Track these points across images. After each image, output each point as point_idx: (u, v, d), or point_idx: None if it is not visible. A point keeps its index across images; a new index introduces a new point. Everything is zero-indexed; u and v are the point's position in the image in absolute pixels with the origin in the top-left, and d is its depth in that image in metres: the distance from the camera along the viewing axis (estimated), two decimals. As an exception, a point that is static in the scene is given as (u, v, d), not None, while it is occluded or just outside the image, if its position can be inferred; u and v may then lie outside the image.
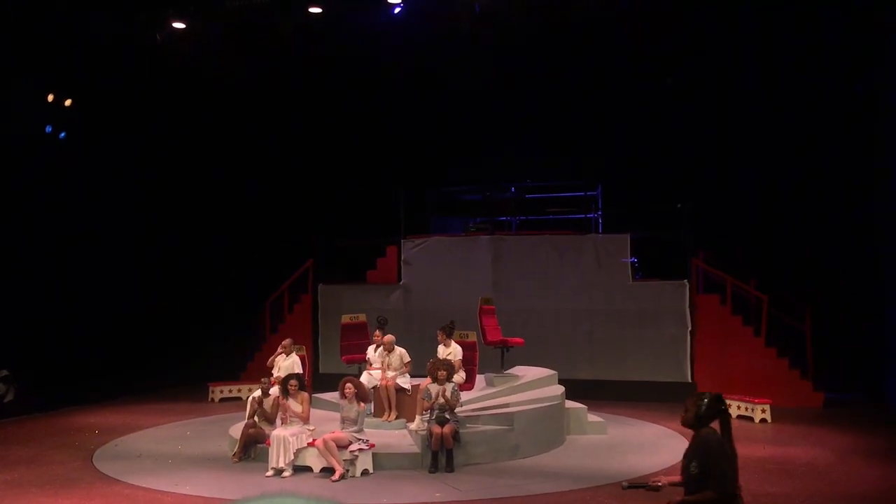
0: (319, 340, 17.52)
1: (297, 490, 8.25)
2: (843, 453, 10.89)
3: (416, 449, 10.33)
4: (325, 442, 9.64)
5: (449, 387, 10.37)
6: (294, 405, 10.11)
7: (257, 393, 11.05)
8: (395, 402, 11.31)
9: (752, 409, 13.54)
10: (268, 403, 10.78)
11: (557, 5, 14.97)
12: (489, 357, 13.00)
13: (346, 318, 13.56)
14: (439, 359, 10.92)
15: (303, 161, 19.45)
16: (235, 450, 10.59)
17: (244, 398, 14.17)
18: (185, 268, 18.77)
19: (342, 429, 9.91)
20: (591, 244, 16.49)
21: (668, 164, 17.14)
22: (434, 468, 9.87)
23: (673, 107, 17.27)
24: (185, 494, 8.92)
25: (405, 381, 11.39)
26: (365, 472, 9.74)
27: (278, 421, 10.26)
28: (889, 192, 15.25)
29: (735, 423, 13.10)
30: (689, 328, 15.73)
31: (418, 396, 10.72)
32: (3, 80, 14.73)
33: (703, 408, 4.85)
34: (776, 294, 15.65)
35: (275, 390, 10.81)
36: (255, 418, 10.77)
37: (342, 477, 9.47)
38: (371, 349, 11.95)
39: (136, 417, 13.91)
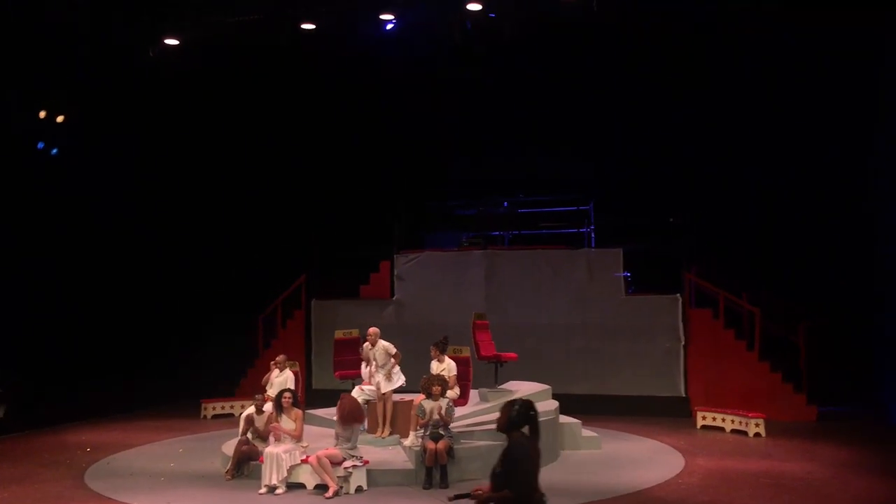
0: (312, 356, 17.47)
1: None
2: (837, 467, 10.90)
3: (410, 465, 10.30)
4: (318, 459, 9.60)
5: (443, 402, 10.35)
6: (287, 422, 10.07)
7: (250, 410, 11.00)
8: (390, 418, 11.25)
9: (747, 424, 13.54)
10: (261, 421, 10.74)
11: (548, 15, 14.99)
12: (483, 372, 12.98)
13: (339, 334, 13.52)
14: (433, 375, 10.90)
15: (295, 178, 19.45)
16: (228, 467, 10.53)
17: (237, 415, 14.11)
18: (177, 283, 18.71)
19: (336, 445, 9.87)
20: (583, 259, 16.52)
21: (660, 179, 17.20)
22: (428, 484, 9.83)
23: (666, 122, 17.35)
24: (177, 512, 8.86)
25: (395, 377, 11.19)
26: (359, 489, 9.70)
27: (271, 438, 10.22)
28: (883, 208, 15.35)
29: (729, 438, 13.16)
30: (683, 342, 15.75)
31: (412, 412, 10.69)
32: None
33: (514, 414, 5.11)
34: (769, 308, 15.69)
35: (268, 407, 10.78)
36: (249, 435, 10.72)
37: (336, 494, 9.42)
38: (363, 366, 11.85)
39: (129, 435, 13.83)
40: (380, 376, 11.17)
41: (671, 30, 15.46)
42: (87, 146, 16.83)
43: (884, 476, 10.37)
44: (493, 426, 11.46)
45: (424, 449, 9.92)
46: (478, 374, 12.55)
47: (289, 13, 14.76)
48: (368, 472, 9.89)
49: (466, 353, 12.07)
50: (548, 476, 10.41)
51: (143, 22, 14.93)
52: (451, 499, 5.40)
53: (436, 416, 10.21)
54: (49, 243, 16.51)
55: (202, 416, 15.81)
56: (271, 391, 11.46)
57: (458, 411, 10.93)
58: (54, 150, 16.64)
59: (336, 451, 9.72)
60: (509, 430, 5.14)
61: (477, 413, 11.85)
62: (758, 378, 15.22)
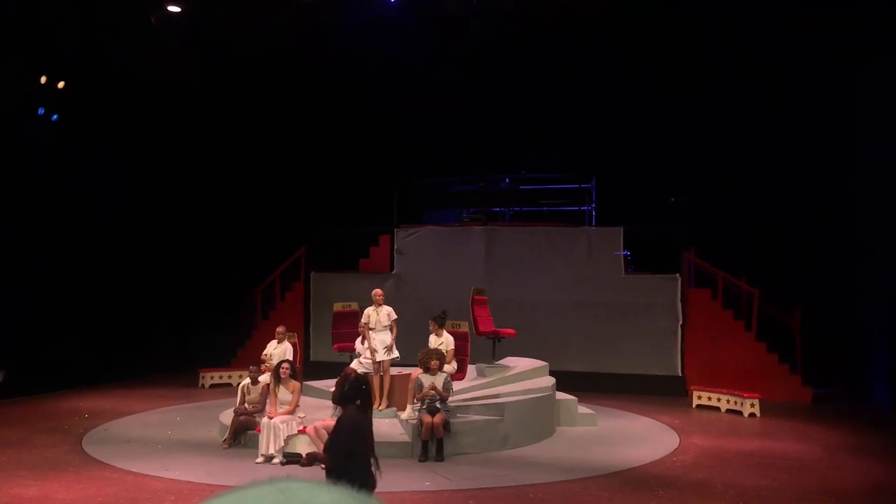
0: (311, 328, 17.51)
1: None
2: (830, 449, 10.96)
3: (406, 438, 10.35)
4: (315, 430, 9.65)
5: (440, 377, 10.38)
6: (284, 393, 10.11)
7: (247, 380, 11.05)
8: (388, 392, 11.29)
9: (742, 404, 13.60)
10: (256, 391, 10.77)
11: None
12: (481, 347, 13.02)
13: (338, 307, 13.53)
14: (431, 349, 10.91)
15: (297, 149, 19.38)
16: (226, 436, 10.59)
17: (234, 384, 14.17)
18: (177, 254, 18.70)
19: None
20: (584, 236, 16.51)
21: (662, 159, 17.17)
22: (424, 457, 9.89)
23: (669, 102, 17.27)
24: (174, 479, 8.91)
25: (394, 349, 11.19)
26: (355, 460, 9.74)
27: (267, 408, 10.26)
28: (878, 193, 15.34)
29: (724, 418, 13.23)
30: (681, 322, 15.78)
31: (409, 386, 10.72)
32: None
33: (347, 388, 5.47)
34: (767, 289, 15.72)
35: (264, 378, 10.81)
36: (246, 405, 10.77)
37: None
38: (358, 341, 11.83)
39: (126, 402, 13.89)
40: (377, 341, 11.11)
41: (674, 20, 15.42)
42: (89, 114, 16.75)
43: (876, 459, 10.43)
44: (491, 401, 11.60)
45: (421, 422, 9.97)
46: (476, 349, 12.58)
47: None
48: (365, 443, 9.93)
49: (465, 328, 12.09)
50: (543, 452, 10.58)
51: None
52: (283, 462, 5.69)
53: (433, 391, 10.24)
54: (48, 209, 16.47)
55: (200, 385, 15.87)
56: (272, 362, 11.49)
57: (456, 386, 10.96)
58: (55, 116, 16.55)
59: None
60: (342, 402, 5.53)
61: (474, 388, 11.89)
62: (754, 359, 15.28)
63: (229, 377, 16.09)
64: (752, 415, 13.41)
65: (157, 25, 15.45)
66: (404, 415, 10.78)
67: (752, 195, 17.13)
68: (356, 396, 5.47)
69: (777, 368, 15.21)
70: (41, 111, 16.37)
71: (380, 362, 11.11)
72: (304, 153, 19.37)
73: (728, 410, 13.78)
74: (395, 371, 11.47)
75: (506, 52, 17.48)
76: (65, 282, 16.58)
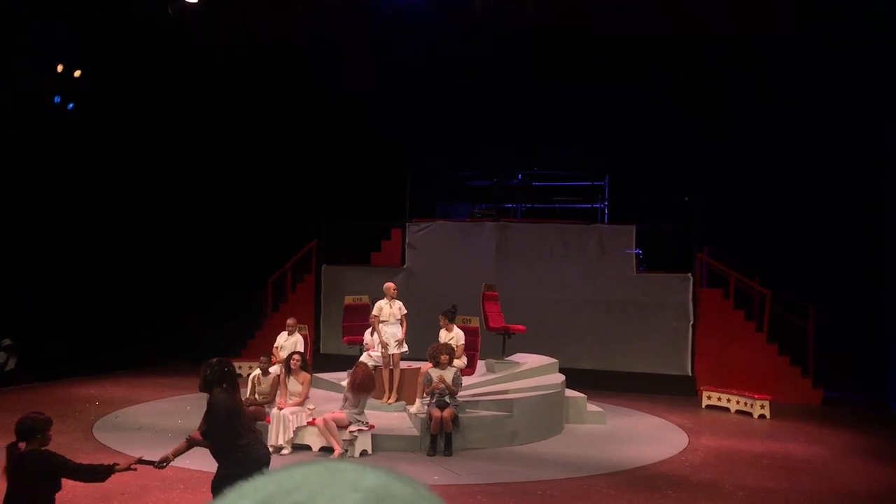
0: (321, 321, 17.54)
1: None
2: (840, 451, 10.92)
3: (415, 432, 10.38)
4: (325, 421, 9.68)
5: (450, 371, 10.40)
6: (294, 385, 10.14)
7: (257, 371, 11.09)
8: (397, 385, 11.32)
9: (752, 405, 13.55)
10: (266, 382, 10.81)
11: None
12: (491, 343, 13.02)
13: (349, 300, 13.56)
14: (441, 343, 10.94)
15: (310, 141, 19.39)
16: (235, 426, 10.61)
17: (244, 375, 14.20)
18: (189, 243, 18.76)
19: (342, 408, 9.94)
20: (596, 234, 16.47)
21: (677, 158, 17.07)
22: (432, 451, 9.91)
23: (684, 100, 17.17)
24: (184, 468, 8.94)
25: (400, 336, 11.25)
26: (364, 453, 9.79)
27: (277, 399, 10.30)
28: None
29: (734, 419, 13.18)
30: (692, 322, 15.73)
31: (419, 380, 10.74)
32: (12, 49, 14.68)
33: (210, 373, 5.56)
34: (779, 291, 15.64)
35: (275, 369, 10.85)
36: (256, 396, 10.81)
37: (341, 457, 9.50)
38: (367, 333, 11.88)
39: (137, 391, 13.96)
40: (388, 335, 11.16)
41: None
42: (105, 103, 16.82)
43: (887, 462, 10.38)
44: (500, 397, 11.60)
45: (430, 416, 9.99)
46: (486, 344, 12.58)
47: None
48: (373, 436, 9.98)
49: (475, 323, 12.10)
50: (551, 449, 10.57)
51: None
52: (136, 461, 5.70)
53: (442, 385, 10.26)
54: (61, 197, 16.56)
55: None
56: (282, 354, 11.53)
57: (465, 381, 10.98)
58: (70, 105, 16.63)
59: (342, 415, 9.80)
60: (208, 388, 5.56)
61: (483, 383, 11.91)
62: (765, 360, 15.21)
63: (239, 368, 16.11)
64: (761, 416, 13.36)
65: (173, 16, 15.47)
66: (413, 408, 10.81)
67: (768, 195, 17.02)
68: (222, 379, 5.54)
69: (788, 370, 15.14)
70: (57, 99, 16.45)
71: (391, 355, 11.16)
72: (318, 146, 19.37)
73: (738, 411, 13.73)
74: (404, 365, 11.50)
75: (523, 48, 17.40)
76: (73, 273, 16.66)
